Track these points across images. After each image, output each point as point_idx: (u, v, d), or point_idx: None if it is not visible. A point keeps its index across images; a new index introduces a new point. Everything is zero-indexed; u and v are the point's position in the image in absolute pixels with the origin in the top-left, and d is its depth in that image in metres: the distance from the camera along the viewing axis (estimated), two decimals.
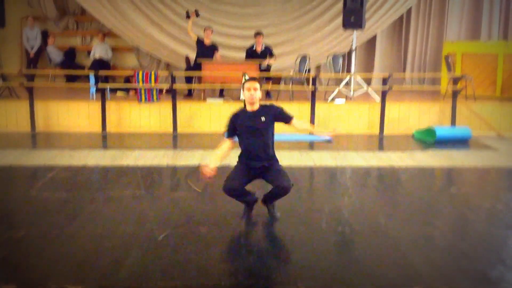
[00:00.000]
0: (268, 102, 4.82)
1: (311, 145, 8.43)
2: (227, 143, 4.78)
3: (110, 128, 9.04)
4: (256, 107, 4.60)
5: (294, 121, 4.71)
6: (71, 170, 6.51)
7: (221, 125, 9.18)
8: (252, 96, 4.51)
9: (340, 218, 4.90)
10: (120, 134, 8.98)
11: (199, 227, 4.58)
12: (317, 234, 4.49)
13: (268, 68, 10.37)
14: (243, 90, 4.58)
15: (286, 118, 4.68)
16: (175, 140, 8.74)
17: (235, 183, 4.60)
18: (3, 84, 9.77)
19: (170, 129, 9.10)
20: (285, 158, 7.21)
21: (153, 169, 6.67)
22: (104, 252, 4.01)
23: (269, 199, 4.79)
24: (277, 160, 4.77)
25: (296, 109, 9.26)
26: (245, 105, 4.67)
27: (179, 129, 9.09)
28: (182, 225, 4.60)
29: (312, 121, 9.06)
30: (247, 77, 8.86)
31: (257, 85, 4.55)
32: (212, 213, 4.99)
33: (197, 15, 10.56)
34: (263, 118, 4.57)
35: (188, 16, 10.43)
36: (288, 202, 5.45)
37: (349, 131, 9.18)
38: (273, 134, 4.70)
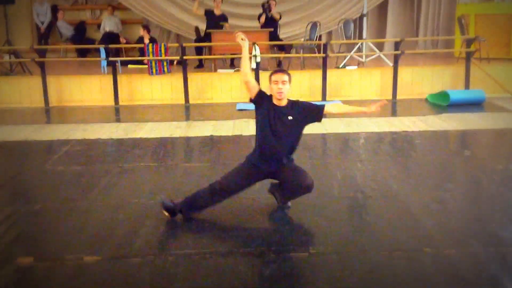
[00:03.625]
0: (296, 99, 4.21)
1: None
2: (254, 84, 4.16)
3: (122, 101, 9.08)
4: (284, 102, 4.06)
5: (328, 107, 4.17)
6: (85, 143, 6.57)
7: (232, 96, 9.27)
8: (281, 90, 3.97)
9: (352, 184, 4.92)
10: (132, 107, 9.02)
11: None
12: (329, 200, 4.52)
13: (276, 34, 10.25)
14: (270, 82, 4.01)
15: (318, 114, 4.11)
16: (187, 111, 8.76)
17: (232, 184, 4.05)
18: (15, 60, 9.83)
19: (182, 101, 9.11)
20: None
21: (166, 140, 6.72)
22: (119, 223, 4.08)
23: (287, 198, 4.25)
24: (293, 160, 4.23)
25: (308, 77, 9.21)
26: (271, 96, 4.08)
27: (190, 101, 9.10)
28: None
29: (324, 88, 9.00)
30: (257, 50, 8.77)
31: (286, 77, 3.99)
32: None
33: None
34: (290, 117, 4.03)
35: None
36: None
37: (361, 97, 9.11)
38: (299, 137, 4.18)
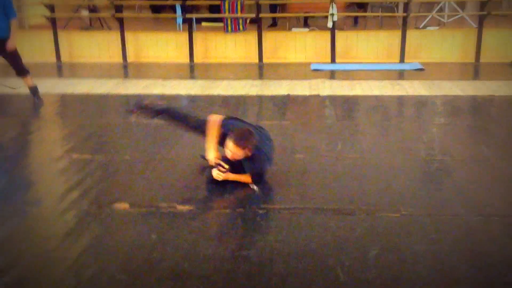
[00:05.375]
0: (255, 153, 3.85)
1: (401, 74, 8.16)
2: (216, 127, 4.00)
3: (197, 58, 9.15)
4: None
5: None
6: (165, 98, 6.69)
7: (307, 55, 9.14)
8: (232, 157, 3.82)
9: (439, 147, 4.77)
10: (207, 64, 9.07)
11: (293, 155, 4.63)
12: (417, 162, 4.41)
13: None
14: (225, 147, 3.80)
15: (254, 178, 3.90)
16: (261, 70, 8.73)
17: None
18: (94, 15, 10.05)
19: (256, 60, 9.07)
20: (376, 88, 7.06)
21: (243, 98, 6.73)
22: (205, 175, 4.14)
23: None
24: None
25: (385, 37, 8.92)
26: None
27: (264, 59, 9.05)
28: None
29: (402, 50, 8.69)
30: (334, 8, 8.51)
31: (243, 152, 3.74)
32: (304, 141, 5.02)
33: None
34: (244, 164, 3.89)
35: None
36: (385, 132, 5.39)
37: (442, 59, 8.75)
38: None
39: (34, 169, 4.56)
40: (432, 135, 5.12)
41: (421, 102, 6.50)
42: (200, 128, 4.12)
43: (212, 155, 3.93)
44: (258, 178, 3.92)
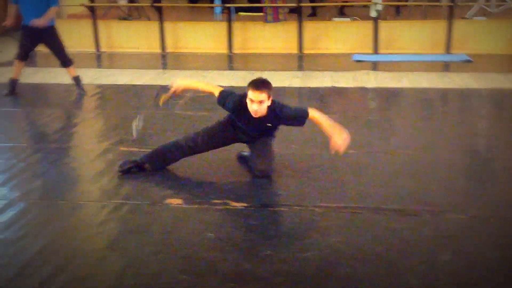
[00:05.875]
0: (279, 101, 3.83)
1: (448, 66, 7.90)
2: (211, 88, 4.04)
3: (235, 49, 9.01)
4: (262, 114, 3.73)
5: (311, 114, 3.78)
6: None
7: (348, 46, 8.91)
8: (256, 111, 3.67)
9: (501, 143, 4.56)
10: (246, 55, 8.94)
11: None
12: (476, 159, 4.22)
13: None
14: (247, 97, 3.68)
15: (300, 121, 3.83)
16: (301, 61, 8.56)
17: (202, 142, 3.96)
18: (132, 4, 10.00)
19: (295, 50, 8.89)
20: (424, 80, 6.83)
21: (286, 90, 6.58)
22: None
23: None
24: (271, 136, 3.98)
25: (430, 28, 8.65)
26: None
27: (304, 50, 8.86)
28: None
29: (448, 41, 8.40)
30: None
31: (263, 95, 3.61)
32: (354, 136, 4.86)
33: None
34: (268, 124, 3.83)
35: None
36: (438, 126, 5.20)
37: (489, 51, 8.43)
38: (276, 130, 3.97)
39: (83, 162, 4.51)
40: (491, 130, 4.90)
41: (473, 96, 6.25)
42: (194, 144, 3.96)
43: (179, 83, 4.00)
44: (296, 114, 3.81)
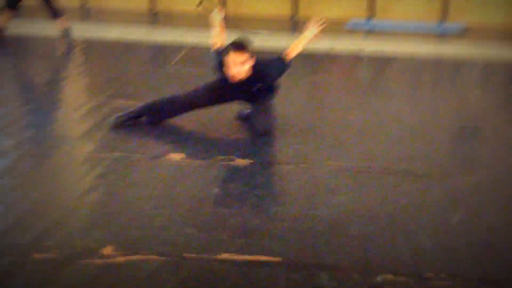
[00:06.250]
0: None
1: (442, 35, 7.82)
2: (214, 40, 3.96)
3: (229, 9, 8.75)
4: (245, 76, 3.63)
5: (290, 54, 3.76)
6: (199, 49, 6.41)
7: (344, 10, 8.71)
8: (235, 75, 3.57)
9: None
10: (240, 16, 8.70)
11: (348, 113, 4.39)
12: (483, 125, 4.18)
13: None
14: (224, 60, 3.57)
15: (284, 69, 3.77)
16: (295, 24, 8.39)
17: (199, 98, 3.85)
18: None
19: (290, 13, 8.69)
20: (422, 47, 6.75)
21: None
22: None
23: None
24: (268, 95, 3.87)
25: None
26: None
27: (299, 13, 8.67)
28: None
29: (445, 9, 8.28)
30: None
31: (244, 56, 3.51)
32: (356, 99, 4.77)
33: None
34: (256, 87, 3.71)
35: None
36: (443, 94, 5.13)
37: (485, 22, 8.34)
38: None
39: (76, 115, 4.34)
40: (500, 102, 4.86)
41: (473, 66, 6.18)
42: (194, 100, 3.85)
43: (215, 16, 4.00)
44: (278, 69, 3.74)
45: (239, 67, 3.53)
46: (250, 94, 3.78)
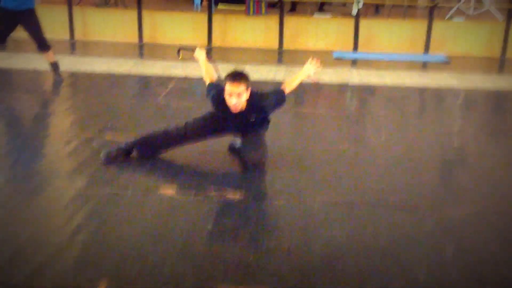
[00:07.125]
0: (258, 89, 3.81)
1: (427, 66, 7.97)
2: (206, 77, 4.05)
3: (215, 42, 8.87)
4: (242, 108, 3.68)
5: (287, 90, 3.87)
6: (188, 81, 6.46)
7: (328, 42, 8.87)
8: (236, 105, 3.62)
9: (493, 141, 4.59)
10: (225, 48, 8.80)
11: (338, 145, 4.43)
12: (471, 157, 4.23)
13: None
14: (225, 88, 3.60)
15: (283, 101, 3.85)
16: (281, 56, 8.49)
17: (190, 131, 3.84)
18: None
19: (275, 45, 8.80)
20: (406, 77, 6.87)
21: (267, 84, 6.50)
22: None
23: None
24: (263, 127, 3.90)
25: (410, 28, 8.71)
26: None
27: (285, 46, 8.79)
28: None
29: (428, 41, 8.47)
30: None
31: (242, 88, 3.54)
32: (344, 131, 4.82)
33: None
34: (252, 119, 3.76)
35: None
36: (428, 124, 5.19)
37: (467, 53, 8.54)
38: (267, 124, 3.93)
39: (65, 150, 4.31)
40: (484, 130, 4.94)
41: (456, 95, 6.30)
42: (187, 133, 3.85)
43: (199, 54, 4.16)
44: (276, 99, 3.80)
45: (236, 98, 3.56)
46: (244, 126, 3.80)
